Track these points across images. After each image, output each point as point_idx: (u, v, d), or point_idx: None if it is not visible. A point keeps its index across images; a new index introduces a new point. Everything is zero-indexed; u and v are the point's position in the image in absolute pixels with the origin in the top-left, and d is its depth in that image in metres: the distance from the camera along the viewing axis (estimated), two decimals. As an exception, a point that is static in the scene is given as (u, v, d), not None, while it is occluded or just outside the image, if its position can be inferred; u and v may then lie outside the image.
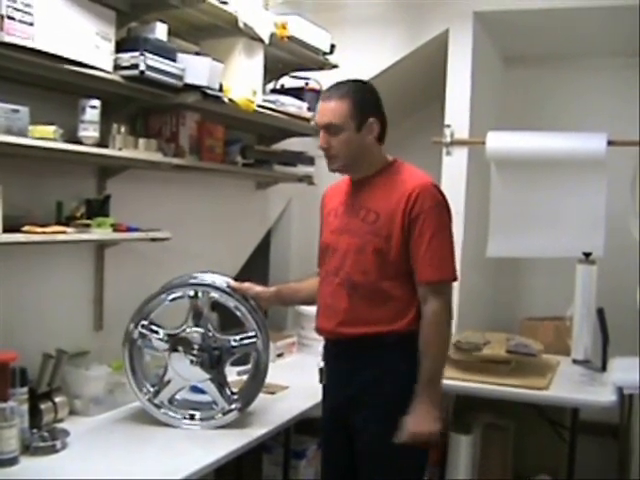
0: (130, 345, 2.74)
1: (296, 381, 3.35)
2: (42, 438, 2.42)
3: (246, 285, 2.85)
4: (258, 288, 2.89)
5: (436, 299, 2.46)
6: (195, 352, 2.75)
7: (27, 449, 2.35)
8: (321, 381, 2.76)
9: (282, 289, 3.01)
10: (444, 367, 2.52)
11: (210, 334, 2.77)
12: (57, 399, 2.61)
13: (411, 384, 2.45)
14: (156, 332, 2.75)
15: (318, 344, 3.53)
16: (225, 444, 2.56)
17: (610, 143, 4.04)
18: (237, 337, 2.80)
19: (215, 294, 2.80)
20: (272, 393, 3.11)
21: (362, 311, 2.55)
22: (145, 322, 2.74)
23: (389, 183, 2.57)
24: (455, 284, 3.88)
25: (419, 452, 2.52)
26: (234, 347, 2.80)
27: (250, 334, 2.79)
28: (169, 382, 2.76)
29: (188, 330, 2.76)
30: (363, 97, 2.56)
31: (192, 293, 2.78)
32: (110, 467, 2.29)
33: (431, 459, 3.66)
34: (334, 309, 2.61)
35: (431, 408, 2.44)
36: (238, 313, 2.81)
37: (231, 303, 2.80)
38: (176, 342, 2.75)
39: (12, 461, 2.25)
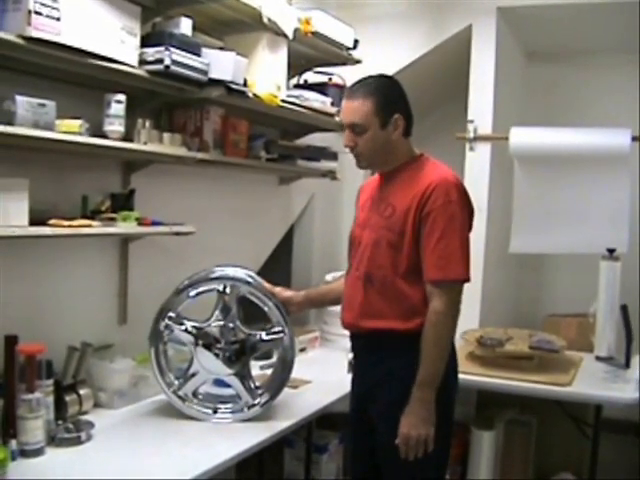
0: (156, 338, 2.75)
1: (319, 376, 3.36)
2: (67, 430, 2.45)
3: (278, 289, 2.87)
4: (289, 292, 2.91)
5: (439, 298, 2.42)
6: (221, 346, 2.76)
7: (52, 440, 2.37)
8: (349, 372, 2.77)
9: (311, 292, 3.04)
10: (442, 369, 2.44)
11: (237, 328, 2.78)
12: (82, 391, 2.63)
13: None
14: (183, 325, 2.76)
15: (341, 339, 3.56)
16: (247, 437, 2.57)
17: (635, 139, 4.02)
18: (265, 332, 2.81)
19: (244, 288, 2.80)
20: (295, 387, 3.12)
21: (376, 305, 2.54)
22: (172, 315, 2.75)
23: (410, 178, 2.55)
24: (478, 280, 3.90)
25: (438, 449, 2.49)
26: (261, 342, 2.81)
27: (277, 329, 2.81)
28: (194, 375, 2.77)
29: (215, 324, 2.78)
30: (387, 94, 2.54)
31: (221, 287, 2.79)
32: (134, 459, 2.31)
33: (452, 455, 3.68)
34: (352, 302, 2.62)
35: (423, 411, 2.41)
36: (265, 308, 2.82)
37: (259, 298, 2.81)
38: (202, 336, 2.76)
39: (38, 452, 2.28)
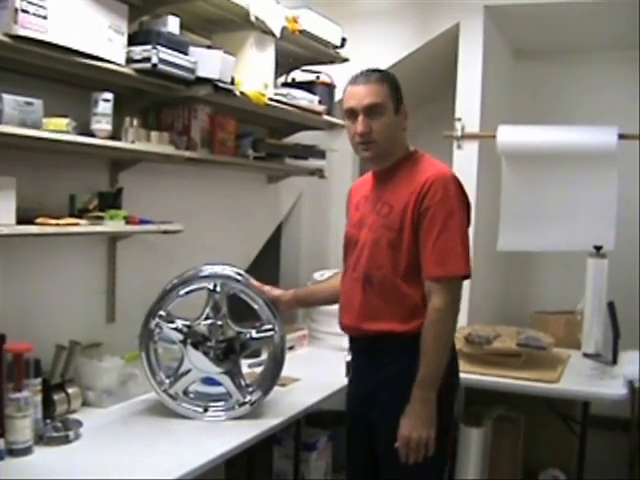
0: (147, 337, 2.74)
1: (307, 374, 3.35)
2: (55, 428, 2.44)
3: (267, 287, 2.85)
4: (278, 291, 2.90)
5: (439, 296, 2.38)
6: (212, 344, 2.76)
7: (41, 439, 2.36)
8: (347, 375, 2.75)
9: (300, 291, 3.03)
10: (442, 368, 2.39)
11: (227, 326, 2.78)
12: (70, 390, 2.62)
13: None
14: (174, 323, 2.76)
15: (329, 337, 3.59)
16: (236, 435, 2.56)
17: (621, 137, 4.04)
18: (255, 330, 2.81)
19: (234, 286, 2.80)
20: (283, 385, 3.11)
21: (376, 307, 2.51)
22: (163, 313, 2.75)
23: (406, 175, 2.52)
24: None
25: (439, 450, 2.45)
26: (252, 340, 2.81)
27: (267, 327, 2.81)
28: (184, 374, 2.76)
29: (205, 322, 2.77)
30: (396, 82, 2.54)
31: (211, 286, 2.79)
32: (122, 457, 2.30)
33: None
34: (351, 304, 2.59)
35: (424, 411, 2.37)
36: (255, 306, 2.81)
37: (249, 296, 2.81)
38: (193, 334, 2.76)
39: (26, 451, 2.27)
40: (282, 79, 3.79)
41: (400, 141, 2.57)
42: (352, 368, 2.73)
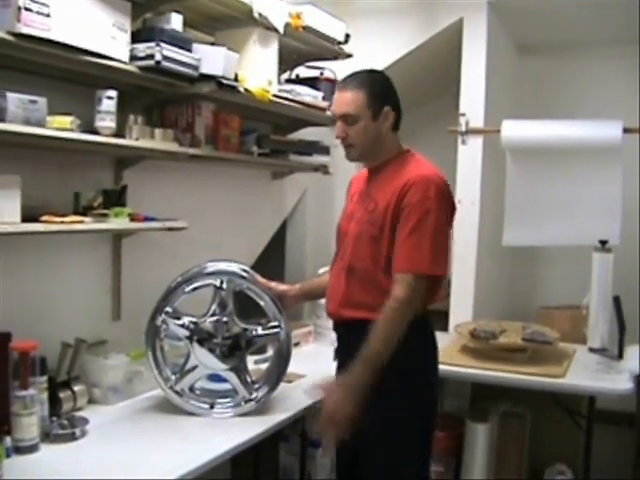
0: (153, 334, 2.75)
1: (313, 370, 3.34)
2: (62, 426, 2.45)
3: (273, 283, 2.90)
4: (284, 286, 2.95)
5: (401, 287, 2.43)
6: (218, 341, 2.77)
7: (47, 437, 2.37)
8: (334, 359, 2.80)
9: (305, 285, 3.07)
10: (385, 354, 2.39)
11: (233, 323, 2.79)
12: (76, 388, 2.64)
13: (398, 375, 2.45)
14: (180, 320, 2.76)
15: (334, 333, 3.55)
16: (242, 432, 2.57)
17: (626, 131, 4.03)
18: (261, 327, 2.82)
19: (240, 283, 2.81)
20: (289, 382, 3.12)
21: (357, 296, 2.58)
22: (169, 310, 2.75)
23: (393, 174, 2.59)
24: (471, 273, 3.91)
25: (419, 447, 2.51)
26: (258, 336, 2.82)
27: (273, 324, 2.82)
28: (190, 370, 2.77)
29: (212, 319, 2.78)
30: (378, 86, 2.60)
31: (218, 283, 2.79)
32: (128, 454, 2.31)
33: (447, 448, 3.69)
34: (335, 292, 2.67)
35: (351, 390, 2.39)
36: (261, 302, 2.83)
37: (255, 292, 2.82)
38: (199, 331, 2.77)
39: (33, 448, 2.28)
40: (286, 75, 3.79)
41: (387, 142, 2.64)
42: (337, 355, 2.79)
